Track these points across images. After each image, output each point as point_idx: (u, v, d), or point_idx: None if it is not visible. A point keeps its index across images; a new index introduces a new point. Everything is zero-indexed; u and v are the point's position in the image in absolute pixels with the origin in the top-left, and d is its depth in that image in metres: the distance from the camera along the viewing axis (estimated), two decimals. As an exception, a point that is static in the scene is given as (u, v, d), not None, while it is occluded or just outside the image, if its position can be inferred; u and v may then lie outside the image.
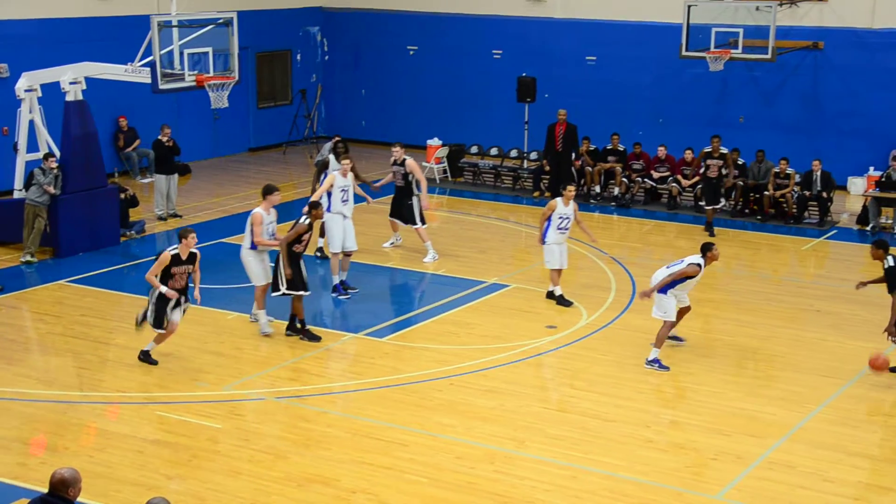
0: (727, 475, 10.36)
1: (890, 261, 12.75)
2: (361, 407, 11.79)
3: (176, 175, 19.85)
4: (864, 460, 10.73)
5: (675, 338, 13.60)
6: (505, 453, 10.76)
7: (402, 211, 17.23)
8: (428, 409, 11.74)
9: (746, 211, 20.47)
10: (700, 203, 19.87)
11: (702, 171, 19.73)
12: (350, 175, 15.65)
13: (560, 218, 14.99)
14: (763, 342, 14.01)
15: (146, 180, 22.38)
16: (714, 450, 10.86)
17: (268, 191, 13.73)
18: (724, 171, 19.40)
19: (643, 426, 11.39)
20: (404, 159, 17.08)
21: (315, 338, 13.67)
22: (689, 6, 20.59)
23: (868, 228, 19.53)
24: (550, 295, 15.30)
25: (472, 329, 14.29)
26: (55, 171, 16.93)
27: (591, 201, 21.47)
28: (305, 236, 13.55)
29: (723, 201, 19.65)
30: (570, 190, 15.16)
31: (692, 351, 13.57)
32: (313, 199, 14.80)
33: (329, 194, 15.43)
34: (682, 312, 13.33)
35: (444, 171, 23.56)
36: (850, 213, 20.69)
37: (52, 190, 16.80)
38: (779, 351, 13.71)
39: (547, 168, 21.66)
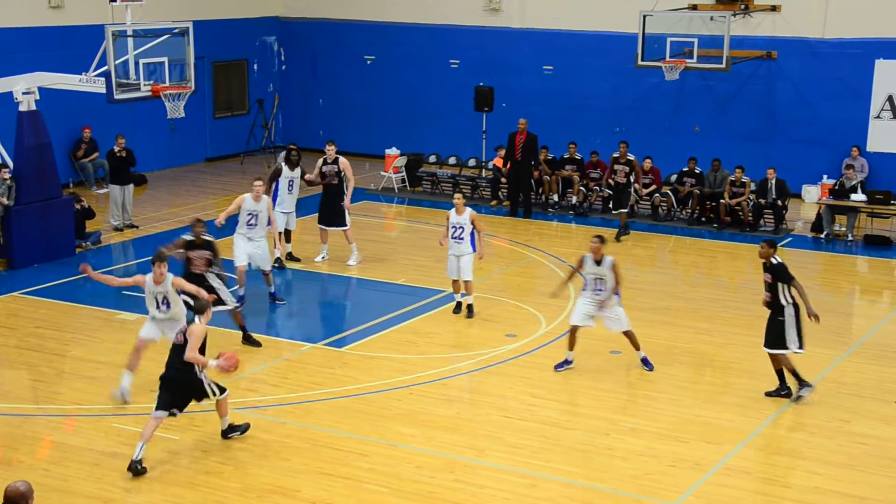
0: (685, 482, 10.43)
1: (776, 258, 12.37)
2: (320, 417, 11.74)
3: (131, 185, 19.68)
4: (822, 466, 10.85)
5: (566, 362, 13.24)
6: (465, 462, 10.76)
7: (335, 214, 17.13)
8: (387, 419, 11.71)
9: (703, 219, 20.67)
10: (609, 208, 20.48)
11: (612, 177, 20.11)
12: (265, 199, 15.09)
13: (453, 227, 14.93)
14: (720, 349, 14.14)
15: (102, 191, 22.15)
16: (672, 457, 10.94)
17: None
18: (630, 178, 19.83)
19: (602, 434, 11.44)
20: (337, 158, 17.10)
21: (256, 343, 13.64)
22: (645, 16, 20.78)
23: (822, 236, 19.79)
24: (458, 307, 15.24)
25: (431, 338, 14.29)
26: (8, 181, 16.72)
27: (550, 210, 21.58)
28: (193, 254, 13.16)
29: (632, 208, 20.03)
30: (458, 199, 15.13)
31: (651, 358, 13.64)
32: (218, 221, 14.85)
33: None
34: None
35: (403, 181, 23.56)
36: (804, 221, 20.95)
37: (4, 200, 16.59)
38: (736, 357, 13.84)
39: (505, 172, 21.73)
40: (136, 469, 10.27)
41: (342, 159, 17.25)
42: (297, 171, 17.18)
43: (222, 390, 10.87)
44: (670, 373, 13.21)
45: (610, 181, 20.15)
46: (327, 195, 17.30)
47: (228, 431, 11.10)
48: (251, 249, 15.06)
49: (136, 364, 12.03)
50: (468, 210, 14.99)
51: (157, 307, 11.87)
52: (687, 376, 13.21)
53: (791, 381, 12.37)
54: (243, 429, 11.17)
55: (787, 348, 12.18)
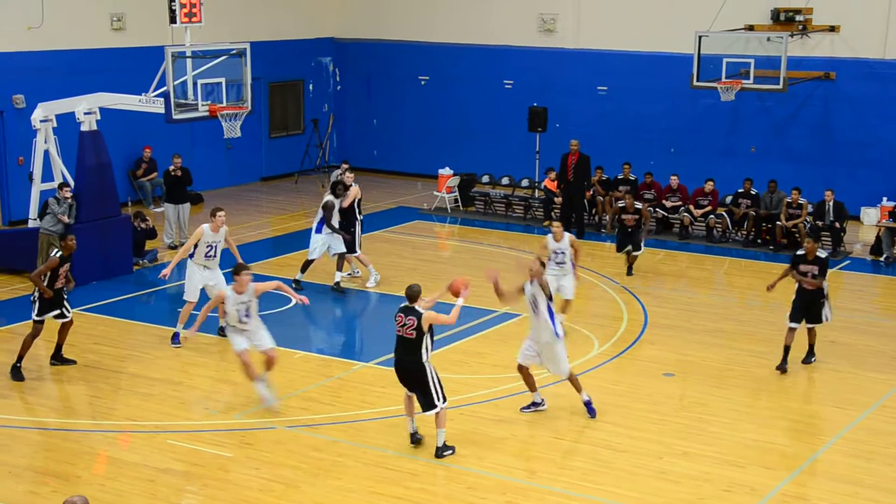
0: (740, 507, 10.28)
1: (822, 252, 14.19)
2: (372, 436, 11.75)
3: (187, 204, 19.93)
4: (880, 493, 10.63)
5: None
6: (516, 483, 10.70)
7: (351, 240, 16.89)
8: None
9: (759, 241, 20.42)
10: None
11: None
12: (224, 230, 14.43)
13: (554, 253, 14.90)
14: (776, 373, 13.92)
15: (159, 209, 22.47)
16: (727, 482, 10.78)
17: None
18: (642, 223, 18.23)
19: (655, 457, 11.32)
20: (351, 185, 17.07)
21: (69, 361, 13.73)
22: (700, 37, 20.65)
23: (882, 259, 19.46)
24: None
25: (483, 358, 14.26)
26: (69, 200, 17.02)
27: (603, 231, 21.47)
28: (61, 270, 13.29)
29: (642, 249, 18.56)
30: (556, 226, 15.09)
31: (705, 381, 13.50)
32: (176, 258, 14.42)
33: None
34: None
35: (456, 201, 23.61)
36: (863, 244, 20.61)
37: (66, 219, 16.88)
38: (792, 382, 13.63)
39: (558, 193, 21.69)
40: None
41: (355, 187, 17.12)
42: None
43: (444, 398, 11.12)
44: (725, 396, 13.05)
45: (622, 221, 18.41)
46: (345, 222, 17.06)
47: (443, 449, 11.21)
48: (208, 280, 14.64)
49: (254, 372, 12.27)
50: (567, 235, 14.98)
51: (240, 319, 12.19)
52: (742, 400, 13.03)
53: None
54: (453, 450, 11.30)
55: (823, 322, 13.91)
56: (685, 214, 20.95)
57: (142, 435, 11.77)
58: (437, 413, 11.10)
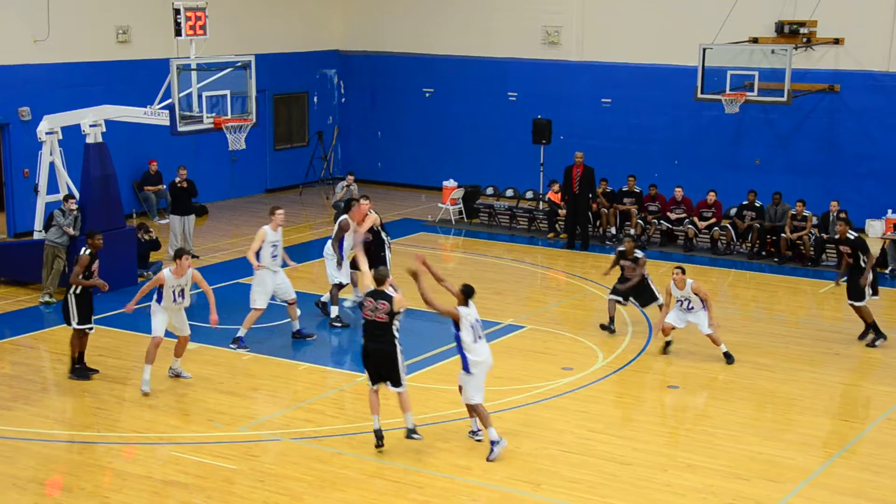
0: (746, 520, 10.24)
1: (852, 233, 15.45)
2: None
3: (192, 216, 19.95)
4: (886, 505, 10.60)
5: None
6: (521, 496, 10.68)
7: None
8: (443, 451, 11.67)
9: (763, 253, 20.41)
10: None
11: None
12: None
13: (679, 301, 14.71)
14: (782, 385, 13.90)
15: (163, 221, 22.51)
16: (732, 494, 10.75)
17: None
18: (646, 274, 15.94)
19: (660, 470, 11.29)
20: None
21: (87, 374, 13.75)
22: (705, 49, 20.69)
23: (887, 271, 19.42)
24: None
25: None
26: (75, 212, 17.05)
27: (607, 243, 21.46)
28: (93, 267, 13.78)
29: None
30: (677, 275, 14.50)
31: (710, 394, 13.48)
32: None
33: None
34: None
35: (460, 213, 23.62)
36: (868, 256, 20.56)
37: (71, 231, 16.90)
38: (798, 394, 13.59)
39: (563, 205, 21.71)
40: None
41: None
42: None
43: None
44: (730, 409, 13.02)
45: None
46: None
47: (413, 432, 11.50)
48: (278, 283, 14.90)
49: (153, 357, 13.20)
50: (689, 282, 14.43)
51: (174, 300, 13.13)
52: (747, 412, 13.00)
53: None
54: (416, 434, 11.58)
55: (865, 299, 14.96)
56: (689, 227, 20.95)
57: (146, 447, 11.76)
58: (404, 392, 11.33)
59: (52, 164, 17.99)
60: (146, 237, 18.78)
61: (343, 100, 28.23)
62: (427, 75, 26.78)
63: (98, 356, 14.59)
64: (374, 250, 16.01)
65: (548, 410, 12.90)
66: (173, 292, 13.33)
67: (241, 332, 14.87)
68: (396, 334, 11.29)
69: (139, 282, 18.11)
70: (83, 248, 13.90)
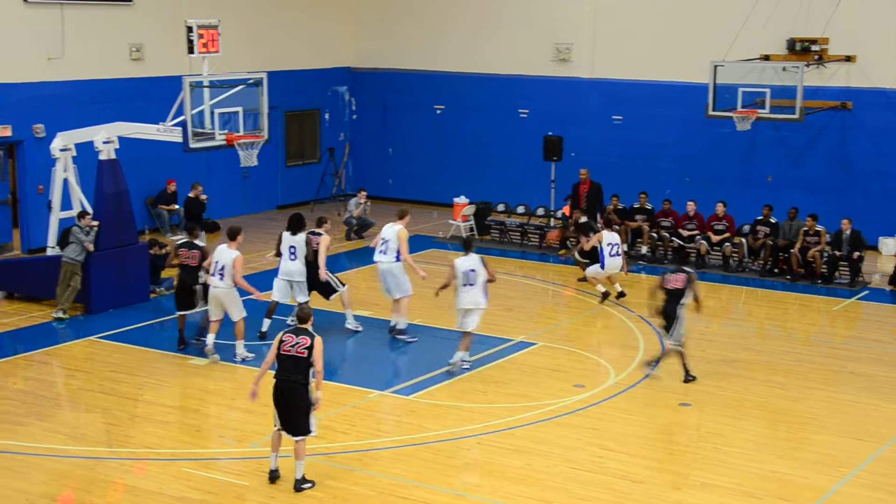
0: (759, 539, 10.19)
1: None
2: (388, 465, 11.72)
3: (203, 232, 19.99)
4: (900, 525, 10.53)
5: None
6: (533, 514, 10.64)
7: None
8: (455, 469, 11.65)
9: (776, 270, 20.34)
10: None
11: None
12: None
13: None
14: (795, 404, 13.84)
15: (176, 237, 22.55)
16: (745, 513, 10.70)
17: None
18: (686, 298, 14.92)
19: (673, 488, 11.24)
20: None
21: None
22: (716, 66, 20.69)
23: (900, 288, 19.35)
24: None
25: (499, 387, 14.22)
26: (94, 228, 17.09)
27: (619, 260, 21.40)
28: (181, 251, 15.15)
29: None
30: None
31: (722, 412, 13.42)
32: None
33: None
34: None
35: (471, 229, 23.63)
36: (881, 274, 20.50)
37: (91, 247, 16.91)
38: (811, 413, 13.53)
39: (572, 222, 21.70)
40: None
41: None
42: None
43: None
44: (743, 427, 12.96)
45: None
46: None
47: (303, 482, 11.08)
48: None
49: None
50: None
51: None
52: (760, 431, 12.94)
53: None
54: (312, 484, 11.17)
55: None
56: (702, 242, 20.90)
57: (158, 463, 11.77)
58: (302, 441, 10.93)
59: (65, 181, 18.07)
60: (160, 252, 18.82)
61: (354, 116, 28.32)
62: (438, 92, 26.85)
63: (110, 372, 14.62)
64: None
65: (559, 428, 12.87)
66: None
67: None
68: (310, 375, 10.91)
69: (151, 297, 18.17)
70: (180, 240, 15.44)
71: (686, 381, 14.29)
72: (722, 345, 16.16)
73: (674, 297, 14.29)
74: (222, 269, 14.65)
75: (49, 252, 18.21)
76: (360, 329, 16.50)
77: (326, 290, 16.24)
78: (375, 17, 27.74)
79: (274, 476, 11.16)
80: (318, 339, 10.95)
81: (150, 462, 11.81)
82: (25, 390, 13.98)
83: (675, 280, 14.31)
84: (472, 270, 14.48)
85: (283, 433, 11.05)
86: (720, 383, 14.42)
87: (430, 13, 26.82)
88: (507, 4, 25.89)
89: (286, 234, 15.95)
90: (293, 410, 10.95)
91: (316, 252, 15.99)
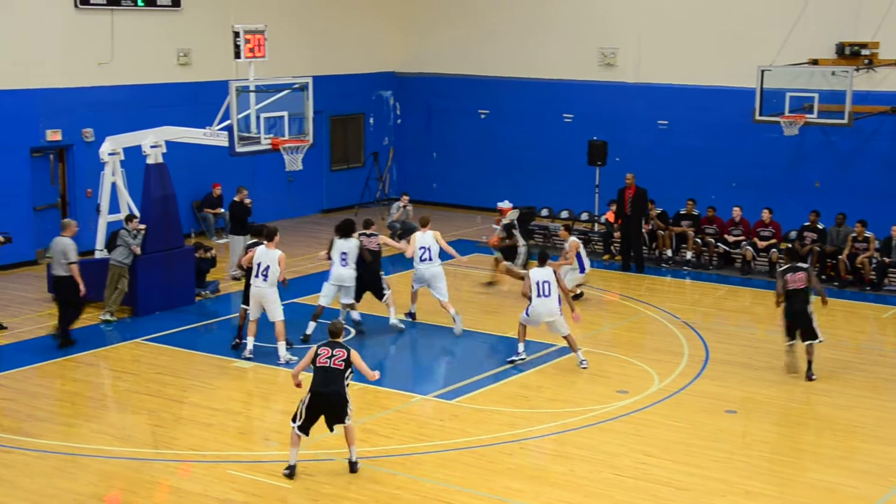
0: (806, 549, 10.06)
1: None
2: (430, 470, 11.72)
3: (249, 236, 20.12)
4: (951, 536, 10.35)
5: None
6: (576, 520, 10.59)
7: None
8: (497, 473, 11.63)
9: (823, 277, 20.07)
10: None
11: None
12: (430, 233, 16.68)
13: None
14: (843, 412, 13.64)
15: (222, 241, 22.76)
16: (792, 522, 10.58)
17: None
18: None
19: (718, 496, 11.13)
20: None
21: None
22: (763, 71, 20.49)
23: (950, 296, 19.03)
24: None
25: (541, 392, 14.18)
26: (142, 231, 17.28)
27: (663, 265, 21.28)
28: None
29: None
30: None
31: (768, 419, 13.28)
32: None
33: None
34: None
35: (512, 228, 23.49)
36: (931, 281, 20.18)
37: (138, 250, 17.09)
38: (860, 421, 13.33)
39: (616, 227, 21.61)
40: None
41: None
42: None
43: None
44: (789, 435, 12.82)
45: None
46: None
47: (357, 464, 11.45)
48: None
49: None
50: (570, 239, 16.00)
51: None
52: (807, 439, 12.79)
53: None
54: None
55: None
56: (748, 248, 20.69)
57: (203, 465, 11.87)
58: (347, 427, 11.29)
59: (113, 185, 18.30)
60: (205, 255, 18.99)
61: (399, 121, 28.40)
62: (483, 96, 26.85)
63: (156, 374, 14.78)
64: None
65: (602, 434, 12.80)
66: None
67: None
68: (347, 385, 11.29)
69: (196, 300, 18.33)
70: (251, 241, 15.82)
71: (810, 378, 14.51)
72: (768, 352, 15.97)
73: (799, 297, 14.42)
74: (266, 269, 14.82)
75: (97, 255, 18.43)
76: (403, 328, 16.59)
77: (379, 290, 16.41)
78: (421, 22, 27.82)
79: (292, 472, 11.31)
80: (353, 351, 11.32)
81: (194, 464, 11.91)
82: (74, 391, 14.17)
83: (797, 280, 14.44)
84: (547, 282, 14.77)
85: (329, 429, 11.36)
86: (766, 390, 14.26)
87: (475, 18, 26.83)
88: (552, 9, 25.83)
89: (337, 240, 16.04)
90: (337, 415, 11.26)
91: (372, 252, 16.25)
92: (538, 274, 14.91)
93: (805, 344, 14.60)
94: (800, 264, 14.72)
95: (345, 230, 16.10)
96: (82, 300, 15.82)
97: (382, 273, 16.65)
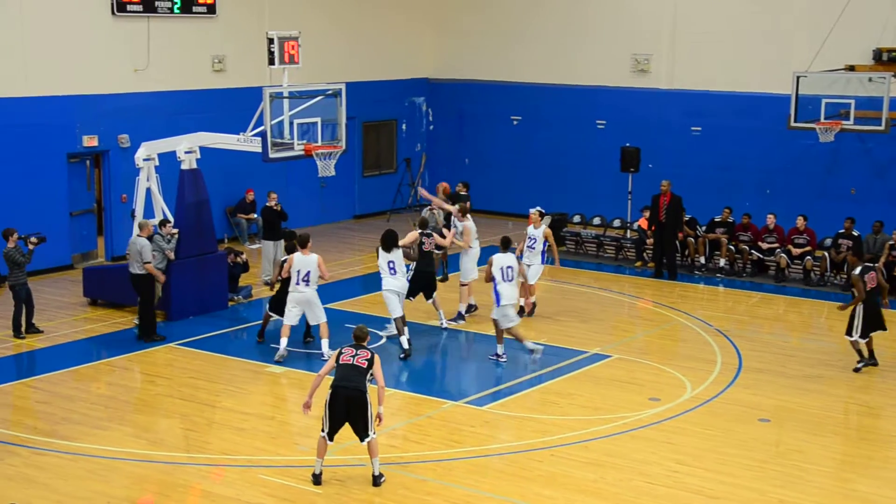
0: (840, 560, 9.95)
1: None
2: (461, 476, 11.71)
3: (283, 241, 20.21)
4: None
5: None
6: (607, 528, 10.54)
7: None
8: (528, 480, 11.60)
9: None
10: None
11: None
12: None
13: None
14: (879, 421, 13.50)
15: (254, 246, 22.88)
16: (826, 532, 10.46)
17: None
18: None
19: (750, 505, 11.05)
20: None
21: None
22: (798, 77, 20.33)
23: None
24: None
25: (573, 399, 14.14)
26: (175, 235, 17.41)
27: (696, 272, 21.15)
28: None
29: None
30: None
31: (802, 428, 13.15)
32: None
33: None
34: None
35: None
36: (970, 290, 19.90)
37: (172, 255, 17.21)
38: None
39: (650, 234, 21.51)
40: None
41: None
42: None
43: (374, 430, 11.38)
44: (824, 444, 12.68)
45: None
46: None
47: (380, 477, 11.38)
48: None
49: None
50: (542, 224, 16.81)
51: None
52: (842, 448, 12.65)
53: None
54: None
55: None
56: (782, 255, 20.52)
57: (235, 469, 11.92)
58: (370, 441, 11.25)
59: (148, 190, 18.45)
60: (237, 260, 19.10)
61: (431, 127, 28.45)
62: (515, 103, 26.84)
63: (189, 378, 14.87)
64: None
65: (634, 441, 12.74)
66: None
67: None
68: (367, 383, 11.29)
69: (229, 305, 18.44)
70: (283, 256, 16.19)
71: (871, 364, 15.25)
72: (803, 360, 15.84)
73: (873, 296, 15.19)
74: (307, 274, 15.30)
75: (132, 259, 18.57)
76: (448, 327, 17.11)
77: (431, 290, 16.90)
78: (454, 29, 27.86)
79: (317, 480, 11.35)
80: (377, 356, 11.36)
81: (227, 468, 11.97)
82: (108, 395, 14.29)
83: (871, 279, 15.13)
84: (510, 267, 15.25)
85: (338, 441, 11.37)
86: (801, 399, 14.13)
87: (508, 24, 26.84)
88: (585, 15, 25.79)
89: (382, 252, 16.02)
90: (360, 416, 11.20)
91: (424, 252, 16.71)
92: (502, 259, 15.30)
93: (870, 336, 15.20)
94: (869, 264, 15.41)
95: (388, 243, 16.09)
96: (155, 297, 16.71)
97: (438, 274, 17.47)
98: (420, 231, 16.93)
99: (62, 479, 11.58)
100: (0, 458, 12.06)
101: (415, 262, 16.77)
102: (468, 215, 18.09)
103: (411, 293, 16.67)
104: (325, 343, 15.43)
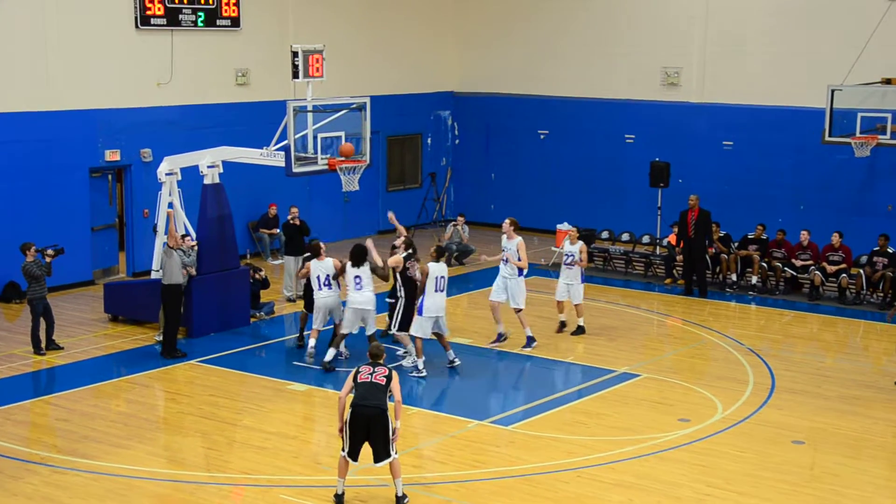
0: (881, 590, 9.55)
1: None
2: (485, 497, 11.40)
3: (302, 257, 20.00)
4: None
5: None
6: (637, 555, 10.19)
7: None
8: (554, 502, 11.29)
9: (895, 304, 19.39)
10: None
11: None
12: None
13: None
14: (917, 444, 13.07)
15: (277, 262, 22.70)
16: (866, 561, 10.06)
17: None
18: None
19: (786, 532, 10.66)
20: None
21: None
22: (833, 91, 19.95)
23: None
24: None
25: (601, 419, 13.79)
26: (194, 247, 17.21)
27: (728, 290, 20.73)
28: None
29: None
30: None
31: (838, 451, 12.75)
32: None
33: None
34: None
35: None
36: None
37: (193, 271, 16.99)
38: (935, 454, 12.76)
39: (679, 251, 21.13)
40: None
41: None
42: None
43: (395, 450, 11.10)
44: (860, 467, 12.28)
45: None
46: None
47: (403, 498, 11.05)
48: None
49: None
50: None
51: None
52: (879, 472, 12.23)
53: None
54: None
55: None
56: (816, 273, 20.07)
57: (255, 489, 11.66)
58: (392, 462, 10.94)
59: (170, 205, 18.29)
60: (256, 277, 18.91)
61: (457, 141, 28.22)
62: (542, 117, 26.58)
63: (209, 396, 14.65)
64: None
65: (663, 463, 12.37)
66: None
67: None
68: (387, 401, 11.02)
69: (251, 322, 18.23)
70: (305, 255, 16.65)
71: None
72: (838, 381, 15.41)
73: None
74: (327, 278, 15.85)
75: (153, 275, 18.41)
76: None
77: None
78: (480, 42, 27.65)
79: (340, 501, 11.09)
80: (395, 372, 11.15)
81: (247, 487, 11.72)
82: (128, 413, 14.08)
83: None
84: (443, 277, 15.36)
85: (370, 462, 11.02)
86: (836, 421, 13.72)
87: (534, 37, 26.60)
88: (614, 28, 25.51)
89: (350, 266, 15.70)
90: (380, 434, 10.89)
91: (408, 277, 16.07)
92: (437, 269, 15.33)
93: None
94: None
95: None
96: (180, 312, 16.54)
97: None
98: (405, 255, 16.11)
99: (82, 498, 11.37)
100: (19, 477, 11.87)
101: (385, 281, 16.16)
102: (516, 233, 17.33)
103: (402, 327, 15.87)
104: (341, 344, 15.71)
